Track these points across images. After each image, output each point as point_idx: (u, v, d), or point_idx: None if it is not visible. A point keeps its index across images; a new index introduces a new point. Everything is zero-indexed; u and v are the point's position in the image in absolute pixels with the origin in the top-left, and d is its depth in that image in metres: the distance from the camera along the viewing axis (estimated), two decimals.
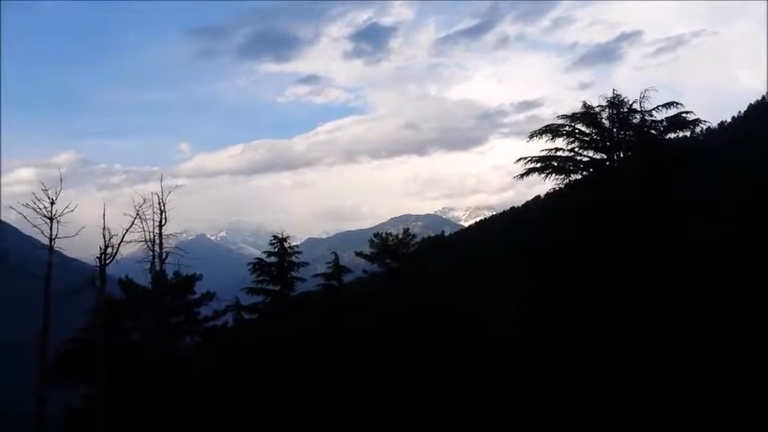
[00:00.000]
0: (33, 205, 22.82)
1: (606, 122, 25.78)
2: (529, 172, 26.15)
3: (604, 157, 25.84)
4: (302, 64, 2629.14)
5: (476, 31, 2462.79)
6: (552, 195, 27.57)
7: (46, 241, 23.19)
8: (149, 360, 26.09)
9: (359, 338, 30.52)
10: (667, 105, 25.32)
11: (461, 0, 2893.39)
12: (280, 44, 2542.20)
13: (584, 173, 26.15)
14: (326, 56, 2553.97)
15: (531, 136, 26.21)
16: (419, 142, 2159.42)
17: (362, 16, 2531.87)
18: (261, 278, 35.35)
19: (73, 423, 31.33)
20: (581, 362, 22.06)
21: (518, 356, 24.77)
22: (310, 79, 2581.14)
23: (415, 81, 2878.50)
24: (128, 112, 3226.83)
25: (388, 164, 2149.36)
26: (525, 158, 26.22)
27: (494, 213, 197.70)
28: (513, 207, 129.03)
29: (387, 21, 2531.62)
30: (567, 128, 26.04)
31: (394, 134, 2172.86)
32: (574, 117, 26.00)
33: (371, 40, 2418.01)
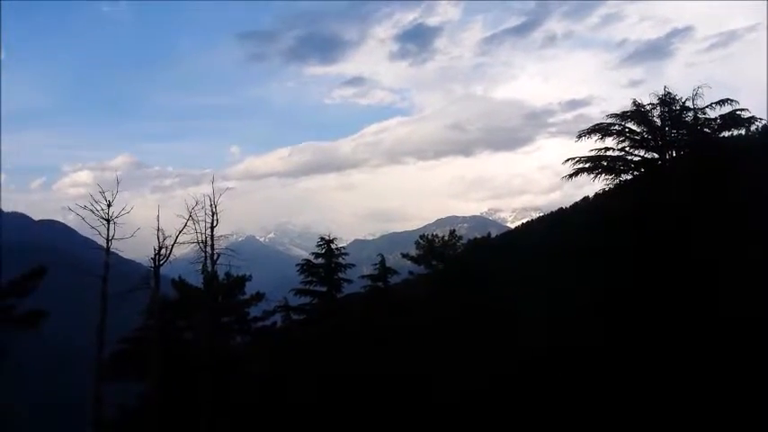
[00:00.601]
0: (91, 207, 23.44)
1: (658, 121, 25.21)
2: (577, 172, 25.76)
3: (656, 156, 25.27)
4: (348, 66, 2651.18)
5: (523, 30, 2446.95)
6: (602, 196, 27.09)
7: (103, 242, 23.83)
8: (201, 359, 26.57)
9: (406, 340, 30.47)
10: (721, 103, 24.62)
11: None
12: (326, 47, 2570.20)
13: (635, 173, 25.62)
14: (372, 57, 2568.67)
15: (580, 135, 25.85)
16: (465, 143, 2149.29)
17: (408, 17, 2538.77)
18: (308, 279, 35.65)
19: (127, 420, 32.12)
20: (631, 364, 21.59)
21: (564, 360, 24.39)
22: (356, 81, 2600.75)
23: (460, 81, 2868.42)
24: (181, 115, 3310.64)
25: (433, 165, 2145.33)
26: (574, 158, 25.85)
27: (541, 214, 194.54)
28: (561, 208, 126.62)
29: (432, 21, 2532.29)
30: (616, 127, 25.59)
31: (440, 135, 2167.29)
32: (624, 115, 25.51)
33: (417, 40, 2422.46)
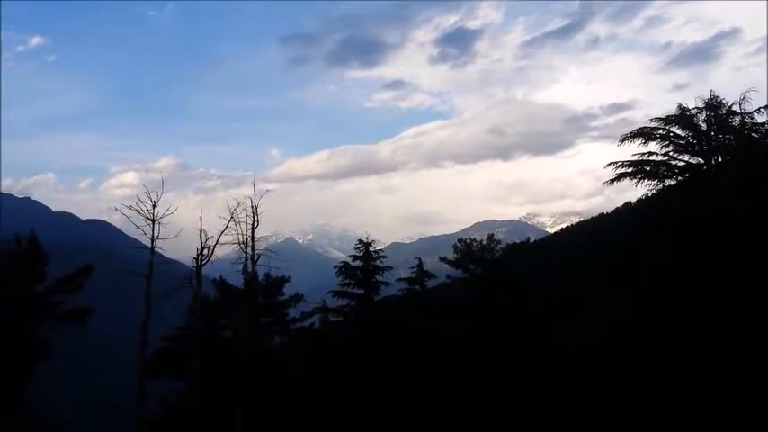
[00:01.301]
0: (137, 207, 24.03)
1: (703, 125, 24.70)
2: (620, 177, 25.37)
3: (701, 161, 24.75)
4: (388, 69, 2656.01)
5: (565, 32, 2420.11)
6: (644, 201, 26.64)
7: (147, 242, 24.38)
8: (240, 358, 26.93)
9: (444, 343, 30.42)
10: None
11: (551, 0, 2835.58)
12: (367, 50, 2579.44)
13: (680, 178, 25.12)
14: (413, 61, 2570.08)
15: (623, 140, 25.47)
16: (504, 147, 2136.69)
17: (449, 20, 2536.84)
18: (346, 281, 35.79)
19: (168, 417, 32.71)
20: (677, 367, 21.21)
21: (607, 363, 24.07)
22: (396, 84, 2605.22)
23: (501, 84, 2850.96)
24: (223, 118, 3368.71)
25: (472, 168, 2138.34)
26: (616, 163, 25.49)
27: (581, 219, 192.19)
28: (602, 213, 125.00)
29: (473, 24, 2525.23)
30: (660, 131, 25.15)
31: (479, 138, 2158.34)
32: (668, 120, 25.07)
33: (458, 43, 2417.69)
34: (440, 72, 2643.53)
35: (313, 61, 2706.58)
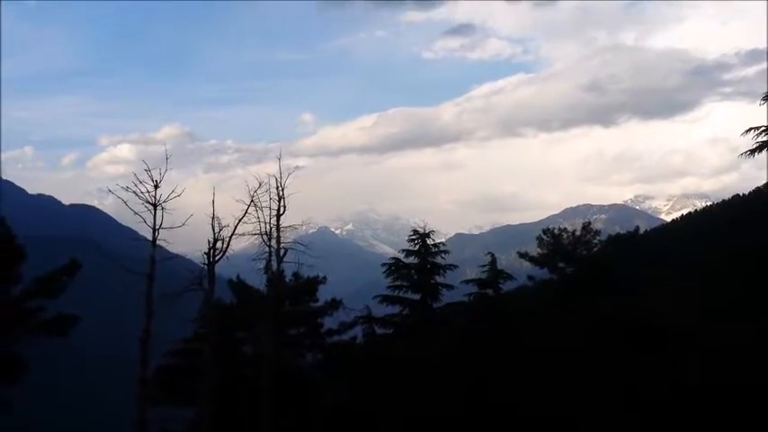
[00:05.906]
0: (134, 189, 24.24)
1: None
2: (762, 146, 24.95)
3: None
4: (455, 10, 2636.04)
5: None
6: None
7: (146, 232, 24.63)
8: (263, 380, 27.34)
9: (525, 368, 30.34)
10: None
11: None
12: None
13: None
14: None
15: (767, 97, 24.98)
16: (605, 108, 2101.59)
17: None
18: (397, 283, 35.86)
19: None
20: None
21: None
22: (464, 29, 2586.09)
23: (603, 26, 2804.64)
24: (242, 76, 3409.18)
25: (561, 137, 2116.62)
26: (758, 128, 25.10)
27: (709, 203, 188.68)
28: (738, 195, 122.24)
29: None
30: None
31: (571, 98, 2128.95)
32: None
33: None
34: (521, 12, 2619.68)
35: (357, 1, 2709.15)
